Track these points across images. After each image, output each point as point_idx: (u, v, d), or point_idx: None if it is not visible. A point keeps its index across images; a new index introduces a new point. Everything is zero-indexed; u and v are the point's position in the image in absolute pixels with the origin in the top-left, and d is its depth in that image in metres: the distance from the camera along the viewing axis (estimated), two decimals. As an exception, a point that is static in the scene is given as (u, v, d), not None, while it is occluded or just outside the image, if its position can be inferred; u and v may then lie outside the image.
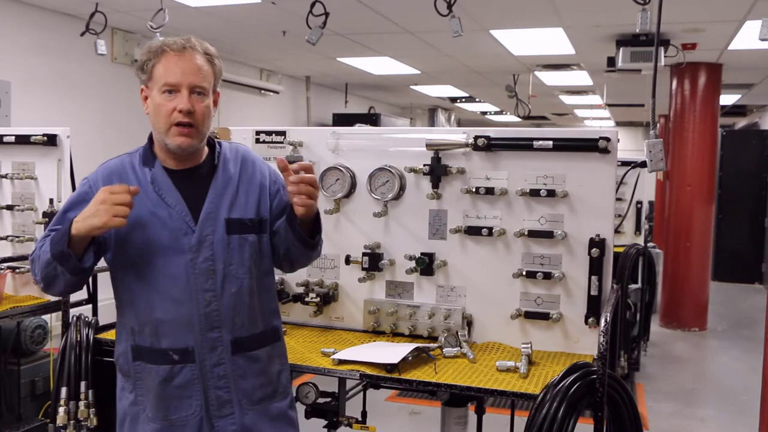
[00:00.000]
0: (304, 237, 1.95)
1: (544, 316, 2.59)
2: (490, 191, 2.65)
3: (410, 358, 2.36)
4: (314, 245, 2.01)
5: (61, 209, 1.94)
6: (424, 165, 2.73)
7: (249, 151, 2.09)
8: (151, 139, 1.98)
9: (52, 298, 3.46)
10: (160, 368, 1.90)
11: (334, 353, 2.40)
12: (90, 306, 3.23)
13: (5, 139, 3.57)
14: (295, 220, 1.92)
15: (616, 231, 4.31)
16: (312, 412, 2.58)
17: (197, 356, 1.90)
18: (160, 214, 1.89)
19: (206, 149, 2.00)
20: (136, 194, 1.78)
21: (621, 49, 6.20)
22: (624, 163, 3.68)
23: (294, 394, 2.23)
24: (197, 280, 1.89)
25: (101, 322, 2.63)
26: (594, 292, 2.51)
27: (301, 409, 2.35)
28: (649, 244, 6.07)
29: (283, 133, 2.98)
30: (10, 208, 3.61)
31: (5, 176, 3.60)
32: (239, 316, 1.94)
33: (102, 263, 1.99)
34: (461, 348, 2.49)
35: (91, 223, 1.74)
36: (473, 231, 2.68)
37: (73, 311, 2.65)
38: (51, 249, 1.79)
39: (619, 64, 6.26)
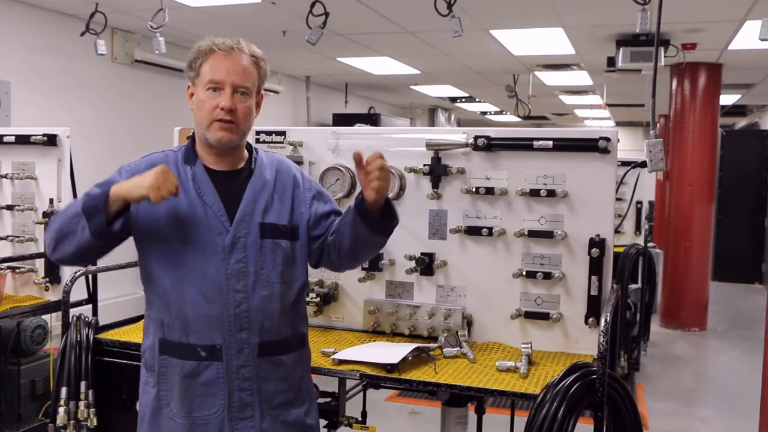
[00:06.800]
0: (376, 224, 1.94)
1: (544, 316, 2.59)
2: (490, 191, 2.65)
3: (410, 358, 2.37)
4: (387, 231, 2.00)
5: (92, 186, 1.91)
6: (424, 165, 2.74)
7: (285, 159, 2.12)
8: (193, 138, 2.00)
9: (53, 298, 3.46)
10: (186, 363, 1.90)
11: (334, 353, 2.40)
12: (90, 306, 3.24)
13: (5, 139, 3.57)
14: (365, 209, 1.92)
15: (616, 231, 4.31)
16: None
17: (224, 355, 1.90)
18: (198, 212, 1.91)
19: (245, 155, 2.03)
20: (176, 195, 1.80)
21: (621, 49, 6.20)
22: (624, 163, 3.68)
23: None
24: (229, 280, 1.90)
25: (101, 322, 2.64)
26: (594, 292, 2.51)
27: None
28: (649, 244, 6.06)
29: (283, 133, 2.98)
30: (10, 208, 3.61)
31: (5, 176, 3.60)
32: (268, 320, 1.94)
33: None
34: (461, 348, 2.50)
35: (138, 183, 1.76)
36: (473, 231, 2.68)
37: (73, 311, 2.65)
38: (84, 202, 1.80)
39: (619, 64, 6.25)
